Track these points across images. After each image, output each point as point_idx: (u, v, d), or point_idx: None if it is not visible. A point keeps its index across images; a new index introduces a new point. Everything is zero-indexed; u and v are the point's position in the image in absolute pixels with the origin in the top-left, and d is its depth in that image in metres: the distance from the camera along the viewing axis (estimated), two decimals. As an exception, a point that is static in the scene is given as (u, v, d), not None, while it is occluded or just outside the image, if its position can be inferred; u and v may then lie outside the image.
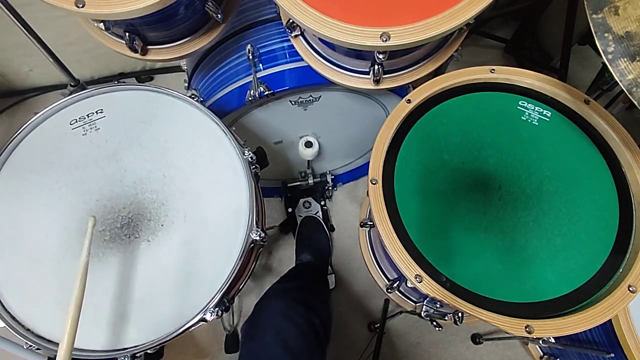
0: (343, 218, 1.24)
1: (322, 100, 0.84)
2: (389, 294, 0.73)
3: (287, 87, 0.76)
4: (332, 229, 1.21)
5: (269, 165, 0.76)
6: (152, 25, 0.62)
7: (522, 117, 0.64)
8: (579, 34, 1.14)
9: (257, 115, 0.86)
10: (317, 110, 0.87)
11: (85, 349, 0.55)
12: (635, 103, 0.44)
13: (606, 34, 0.45)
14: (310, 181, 1.16)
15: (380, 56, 0.55)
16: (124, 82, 0.94)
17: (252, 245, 0.60)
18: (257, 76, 0.75)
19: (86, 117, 0.65)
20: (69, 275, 0.57)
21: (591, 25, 0.45)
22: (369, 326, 1.11)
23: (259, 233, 0.59)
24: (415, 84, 0.67)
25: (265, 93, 0.75)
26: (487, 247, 0.56)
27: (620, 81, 0.44)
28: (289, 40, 0.72)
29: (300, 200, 1.21)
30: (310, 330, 0.66)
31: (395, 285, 0.70)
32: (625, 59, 0.44)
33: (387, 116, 0.63)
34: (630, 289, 0.51)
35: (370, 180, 0.57)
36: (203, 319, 0.55)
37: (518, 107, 0.65)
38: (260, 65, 0.77)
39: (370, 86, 0.67)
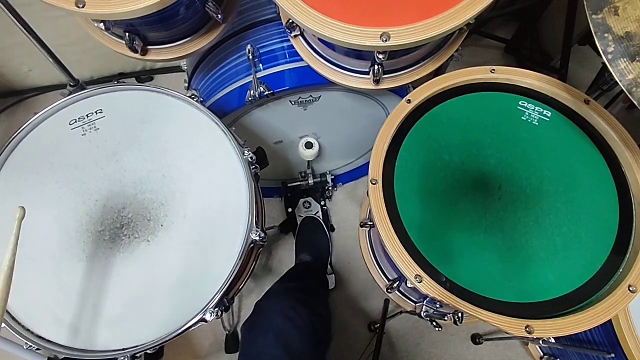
0: (343, 218, 1.24)
1: (322, 100, 0.84)
2: (389, 294, 0.73)
3: (287, 87, 0.76)
4: (332, 229, 1.21)
5: (269, 165, 0.76)
6: (152, 25, 0.62)
7: (522, 117, 0.64)
8: (579, 34, 1.14)
9: (257, 115, 0.86)
10: (317, 110, 0.87)
11: (85, 349, 0.55)
12: (635, 103, 0.44)
13: (606, 34, 0.45)
14: (310, 181, 1.16)
15: (380, 56, 0.55)
16: (124, 82, 0.94)
17: (252, 245, 0.60)
18: (257, 76, 0.75)
19: (85, 117, 0.65)
20: (69, 276, 0.57)
21: (591, 25, 0.45)
22: (369, 326, 1.11)
23: (258, 233, 0.59)
24: (415, 84, 0.67)
25: (265, 93, 0.75)
26: (487, 247, 0.56)
27: (620, 81, 0.44)
28: (288, 40, 0.72)
29: (300, 200, 1.21)
30: (311, 332, 0.66)
31: (395, 285, 0.70)
32: (625, 59, 0.44)
33: (387, 116, 0.63)
34: (630, 289, 0.51)
35: (370, 180, 0.57)
36: (203, 319, 0.55)
37: (518, 107, 0.65)
38: (260, 65, 0.77)
39: (370, 86, 0.67)
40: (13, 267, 0.47)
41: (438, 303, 0.57)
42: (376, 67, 0.61)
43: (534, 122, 0.63)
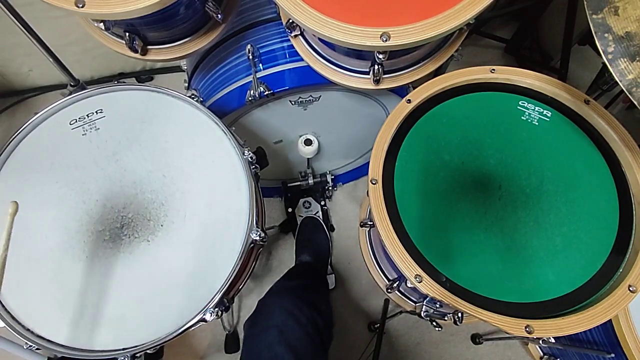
0: (343, 218, 1.24)
1: (322, 100, 0.84)
2: (389, 294, 0.73)
3: (287, 87, 0.76)
4: (332, 229, 1.21)
5: (269, 165, 0.76)
6: (152, 25, 0.62)
7: (522, 117, 0.64)
8: (579, 34, 1.14)
9: (257, 115, 0.86)
10: (317, 110, 0.87)
11: (85, 349, 0.55)
12: (635, 103, 0.44)
13: (606, 34, 0.45)
14: (310, 181, 1.16)
15: (380, 56, 0.55)
16: (124, 82, 0.94)
17: (252, 245, 0.60)
18: (257, 76, 0.75)
19: (86, 117, 0.65)
20: (69, 275, 0.57)
21: (591, 25, 0.45)
22: (369, 326, 1.11)
23: (259, 233, 0.59)
24: (415, 84, 0.67)
25: (265, 93, 0.75)
26: (487, 247, 0.56)
27: (620, 81, 0.44)
28: (289, 40, 0.72)
29: (300, 200, 1.21)
30: (314, 330, 0.66)
31: (395, 285, 0.70)
32: (625, 59, 0.44)
33: (387, 116, 0.63)
34: (630, 289, 0.51)
35: (370, 180, 0.57)
36: (203, 319, 0.55)
37: (518, 107, 0.65)
38: (260, 65, 0.77)
39: (370, 86, 0.67)
40: (5, 263, 0.46)
41: (438, 303, 0.57)
42: (376, 67, 0.61)
43: (534, 122, 0.63)
